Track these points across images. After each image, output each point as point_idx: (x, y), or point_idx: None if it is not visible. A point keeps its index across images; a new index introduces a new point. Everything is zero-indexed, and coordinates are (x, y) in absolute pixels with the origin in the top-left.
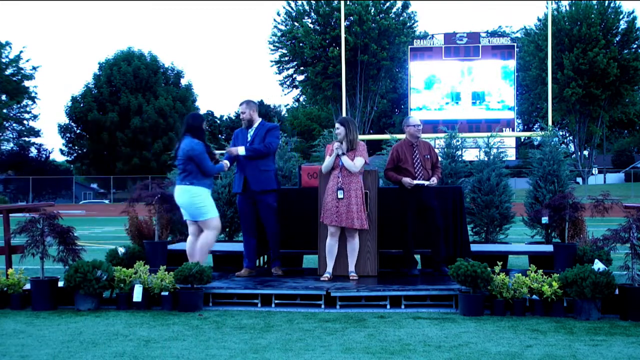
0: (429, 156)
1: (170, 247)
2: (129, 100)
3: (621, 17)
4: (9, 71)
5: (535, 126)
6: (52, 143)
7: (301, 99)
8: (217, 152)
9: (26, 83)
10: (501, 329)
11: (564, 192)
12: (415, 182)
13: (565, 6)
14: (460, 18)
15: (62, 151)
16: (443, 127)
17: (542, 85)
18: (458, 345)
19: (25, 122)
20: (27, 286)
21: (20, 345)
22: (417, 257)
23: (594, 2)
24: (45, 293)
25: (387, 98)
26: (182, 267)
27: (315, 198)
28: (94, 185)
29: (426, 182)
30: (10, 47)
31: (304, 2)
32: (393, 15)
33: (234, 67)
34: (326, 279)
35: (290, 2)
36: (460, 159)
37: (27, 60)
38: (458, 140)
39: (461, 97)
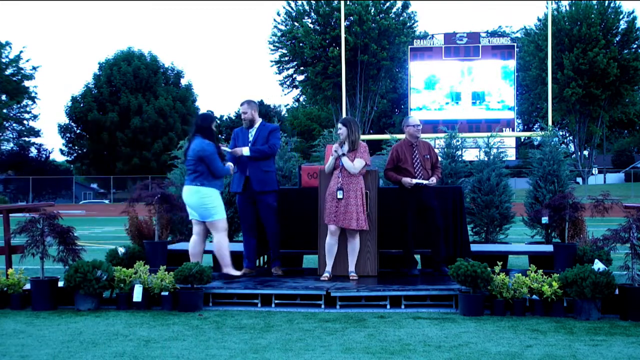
0: (428, 156)
1: (170, 247)
2: (129, 100)
3: (621, 17)
4: (9, 71)
5: (535, 126)
6: (52, 143)
7: (301, 99)
8: (224, 148)
9: (26, 83)
10: (501, 329)
11: (564, 192)
12: (415, 181)
13: (565, 6)
14: (460, 18)
15: (62, 151)
16: (443, 127)
17: (542, 85)
18: (458, 345)
19: (25, 122)
20: (27, 286)
21: (20, 345)
22: (417, 257)
23: (594, 2)
24: (45, 293)
25: (387, 98)
26: (182, 267)
27: (315, 198)
28: (94, 185)
29: (425, 182)
30: (10, 47)
31: (304, 2)
32: (393, 15)
33: (234, 67)
34: (326, 278)
35: (290, 2)
36: (460, 159)
37: (27, 60)
38: (458, 140)
39: (461, 97)
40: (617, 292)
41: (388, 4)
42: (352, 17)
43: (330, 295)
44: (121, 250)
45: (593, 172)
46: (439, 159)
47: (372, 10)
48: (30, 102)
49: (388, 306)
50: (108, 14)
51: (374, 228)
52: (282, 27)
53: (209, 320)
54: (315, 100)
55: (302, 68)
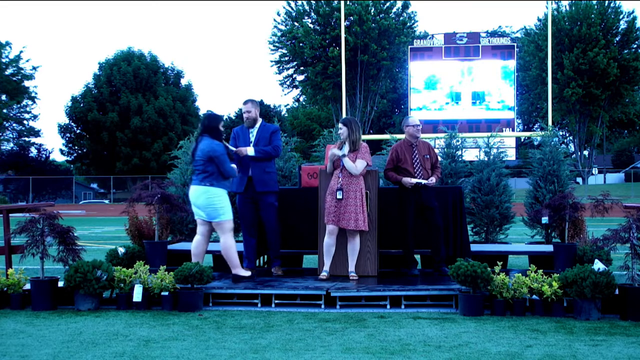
0: (428, 156)
1: (170, 247)
2: (129, 100)
3: (621, 17)
4: (9, 71)
5: (535, 126)
6: (52, 143)
7: (301, 99)
8: (231, 148)
9: (26, 83)
10: (501, 329)
11: (564, 192)
12: (415, 181)
13: (565, 6)
14: (460, 18)
15: (62, 151)
16: (443, 127)
17: (542, 85)
18: (458, 345)
19: (25, 122)
20: (27, 286)
21: (20, 345)
22: (417, 257)
23: (594, 2)
24: (45, 293)
25: (387, 98)
26: (182, 267)
27: (315, 198)
28: (94, 185)
29: (425, 182)
30: (10, 47)
31: (304, 2)
32: (393, 15)
33: (234, 67)
34: (323, 277)
35: (290, 2)
36: (460, 159)
37: (27, 60)
38: (458, 140)
39: (461, 97)
40: (617, 292)
41: (388, 4)
42: (352, 17)
43: (330, 295)
44: (121, 250)
45: (593, 172)
46: (439, 159)
47: (372, 10)
48: (30, 102)
49: (388, 306)
50: (108, 14)
51: (374, 228)
52: (282, 27)
53: (209, 320)
54: (315, 100)
55: (302, 68)
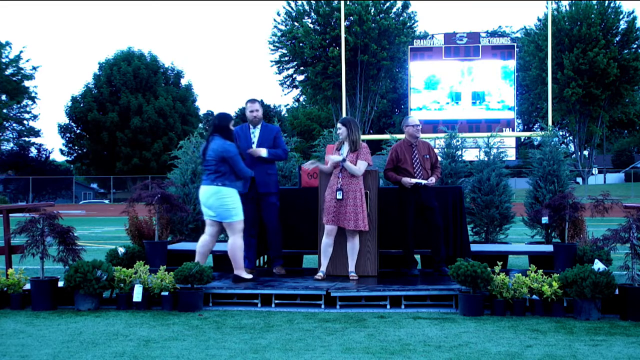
0: (428, 156)
1: (170, 247)
2: (129, 100)
3: (621, 17)
4: (9, 71)
5: (535, 126)
6: (52, 143)
7: (301, 99)
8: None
9: (26, 83)
10: (501, 329)
11: (564, 192)
12: (414, 180)
13: (565, 6)
14: (460, 18)
15: (62, 151)
16: (443, 127)
17: (542, 85)
18: (458, 345)
19: (25, 122)
20: (27, 286)
21: (20, 345)
22: (417, 257)
23: (594, 2)
24: (45, 293)
25: (387, 98)
26: (182, 267)
27: (315, 198)
28: (94, 185)
29: (424, 182)
30: (10, 47)
31: (304, 2)
32: (393, 15)
33: (234, 67)
34: (319, 278)
35: (290, 2)
36: (460, 159)
37: (27, 60)
38: (458, 140)
39: (461, 97)
40: (617, 292)
41: (388, 4)
42: (352, 17)
43: (330, 295)
44: (121, 250)
45: (593, 172)
46: (439, 159)
47: (372, 10)
48: (30, 102)
49: (388, 306)
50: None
51: (374, 228)
52: (282, 27)
53: (209, 320)
54: (315, 100)
55: (302, 68)
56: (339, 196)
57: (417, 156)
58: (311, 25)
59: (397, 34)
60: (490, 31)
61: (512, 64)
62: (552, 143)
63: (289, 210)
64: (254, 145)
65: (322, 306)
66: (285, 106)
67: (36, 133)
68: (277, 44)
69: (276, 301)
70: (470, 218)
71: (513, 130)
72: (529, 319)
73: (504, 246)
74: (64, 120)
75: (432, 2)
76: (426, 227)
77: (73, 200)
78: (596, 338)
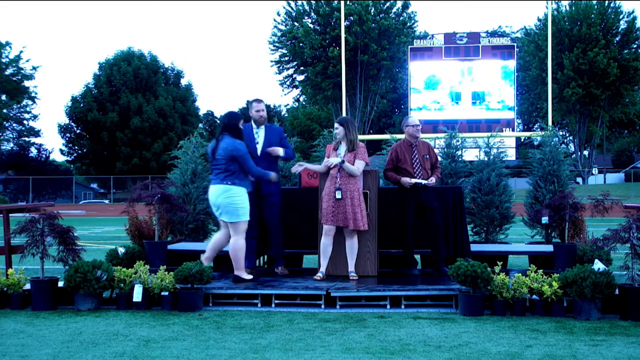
0: (428, 156)
1: (170, 247)
2: (129, 100)
3: (621, 17)
4: (9, 71)
5: (535, 126)
6: (52, 143)
7: (301, 99)
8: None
9: (26, 83)
10: (501, 329)
11: (564, 192)
12: (414, 180)
13: (565, 6)
14: (460, 18)
15: (62, 151)
16: (443, 127)
17: (542, 85)
18: (458, 345)
19: (25, 122)
20: (27, 286)
21: (20, 345)
22: (417, 257)
23: (594, 2)
24: (45, 293)
25: (387, 98)
26: (182, 267)
27: (315, 198)
28: (94, 185)
29: (424, 182)
30: (10, 47)
31: (304, 2)
32: (393, 15)
33: (234, 67)
34: (319, 278)
35: (290, 2)
36: (460, 159)
37: (27, 60)
38: (458, 140)
39: (461, 97)
40: (617, 292)
41: (388, 4)
42: (352, 17)
43: (330, 295)
44: (121, 250)
45: (593, 172)
46: (439, 159)
47: (372, 10)
48: (30, 102)
49: (388, 306)
50: (108, 14)
51: (374, 228)
52: (282, 27)
53: (209, 320)
54: (315, 100)
55: (302, 68)
56: (338, 195)
57: (417, 156)
58: (311, 25)
59: (397, 34)
60: (490, 31)
61: (512, 64)
62: (552, 143)
63: (289, 210)
64: (258, 146)
65: (322, 306)
66: (285, 106)
67: (36, 133)
68: (277, 44)
69: (276, 301)
70: (470, 218)
71: (513, 130)
72: (529, 319)
73: (504, 246)
74: (64, 120)
75: (432, 2)
76: (426, 227)
77: (73, 200)
78: (596, 338)
